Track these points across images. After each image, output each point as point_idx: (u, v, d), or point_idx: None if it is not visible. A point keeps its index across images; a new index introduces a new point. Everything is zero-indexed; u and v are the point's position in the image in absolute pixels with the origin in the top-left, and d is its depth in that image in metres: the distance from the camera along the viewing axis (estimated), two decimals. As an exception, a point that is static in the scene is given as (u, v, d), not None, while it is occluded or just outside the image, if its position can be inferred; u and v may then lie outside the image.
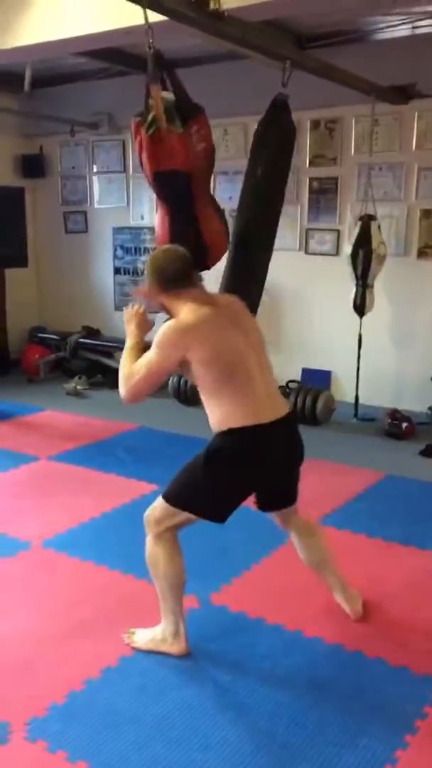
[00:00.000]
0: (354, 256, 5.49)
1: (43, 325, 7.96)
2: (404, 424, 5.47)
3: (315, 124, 6.15)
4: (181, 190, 3.19)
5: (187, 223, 3.21)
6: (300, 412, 5.63)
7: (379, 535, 3.76)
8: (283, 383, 6.27)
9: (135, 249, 7.40)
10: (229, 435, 2.53)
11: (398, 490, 4.46)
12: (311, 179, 6.27)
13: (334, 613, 2.99)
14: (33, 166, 7.73)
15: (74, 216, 7.78)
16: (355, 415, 5.86)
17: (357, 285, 5.56)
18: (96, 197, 7.59)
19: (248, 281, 3.84)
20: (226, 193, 6.04)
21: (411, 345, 6.04)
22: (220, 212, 3.40)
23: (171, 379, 6.16)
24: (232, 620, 2.98)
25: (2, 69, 6.20)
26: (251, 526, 3.35)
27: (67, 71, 6.71)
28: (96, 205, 7.61)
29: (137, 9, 3.17)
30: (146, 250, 7.20)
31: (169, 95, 3.16)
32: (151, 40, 3.08)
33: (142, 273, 6.68)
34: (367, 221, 5.45)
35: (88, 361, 7.24)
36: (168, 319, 2.60)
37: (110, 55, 5.82)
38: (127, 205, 7.35)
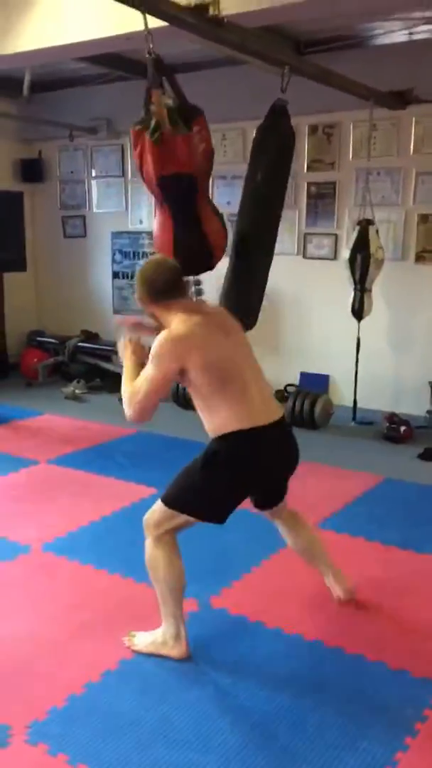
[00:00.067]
0: (352, 260, 5.50)
1: (41, 329, 7.96)
2: (402, 428, 5.49)
3: (313, 129, 6.17)
4: (185, 193, 3.21)
5: (191, 225, 3.24)
6: (298, 415, 5.65)
7: (378, 539, 3.77)
8: (282, 387, 6.30)
9: (133, 253, 7.41)
10: (225, 439, 2.56)
11: (396, 493, 4.47)
12: (309, 184, 6.29)
13: (334, 615, 3.00)
14: (32, 170, 7.75)
15: (73, 220, 7.80)
16: (354, 419, 5.87)
17: (355, 289, 5.57)
18: (95, 202, 7.61)
19: (249, 286, 3.86)
20: (225, 197, 6.08)
21: (409, 349, 6.06)
22: (218, 213, 3.44)
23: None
24: (232, 623, 2.98)
25: (1, 74, 6.22)
26: (250, 529, 3.37)
27: (66, 76, 6.73)
28: (95, 210, 7.62)
29: (137, 15, 3.19)
30: (144, 254, 7.22)
31: (169, 100, 3.18)
32: (151, 46, 3.10)
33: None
34: (365, 226, 5.46)
35: (86, 365, 7.23)
36: (159, 330, 2.61)
37: (109, 61, 5.83)
38: (125, 209, 7.37)
